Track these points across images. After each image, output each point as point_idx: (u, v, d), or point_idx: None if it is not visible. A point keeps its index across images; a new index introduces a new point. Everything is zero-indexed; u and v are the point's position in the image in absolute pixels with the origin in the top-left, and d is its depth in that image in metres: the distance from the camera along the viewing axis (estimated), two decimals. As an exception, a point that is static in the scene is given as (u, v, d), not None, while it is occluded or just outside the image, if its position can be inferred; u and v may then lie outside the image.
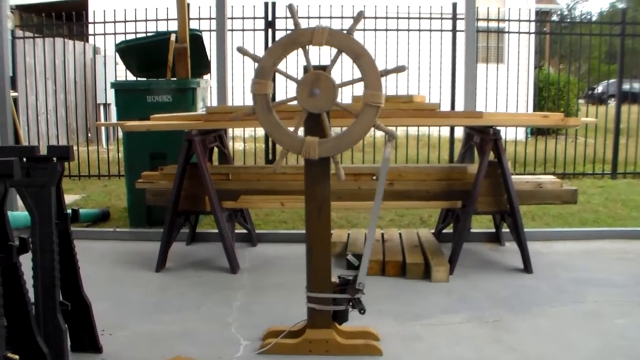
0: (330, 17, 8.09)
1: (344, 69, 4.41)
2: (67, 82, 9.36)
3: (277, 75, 2.87)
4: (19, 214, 5.00)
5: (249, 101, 2.84)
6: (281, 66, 2.77)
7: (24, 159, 2.55)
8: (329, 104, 2.72)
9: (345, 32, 2.70)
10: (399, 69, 2.77)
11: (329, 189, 2.87)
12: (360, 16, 2.71)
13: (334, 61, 2.74)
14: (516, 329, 3.21)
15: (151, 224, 5.34)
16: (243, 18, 8.18)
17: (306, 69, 2.74)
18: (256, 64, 2.75)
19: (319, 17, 8.10)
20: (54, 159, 2.58)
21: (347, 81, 2.84)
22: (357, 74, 2.73)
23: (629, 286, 3.89)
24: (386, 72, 2.72)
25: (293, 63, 3.58)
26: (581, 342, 3.05)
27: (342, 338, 2.92)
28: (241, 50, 2.82)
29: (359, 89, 2.83)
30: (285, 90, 6.79)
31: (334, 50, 2.71)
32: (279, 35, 7.98)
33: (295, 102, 2.77)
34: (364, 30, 8.13)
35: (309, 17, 7.57)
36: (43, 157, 2.58)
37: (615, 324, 3.29)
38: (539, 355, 2.91)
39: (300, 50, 2.76)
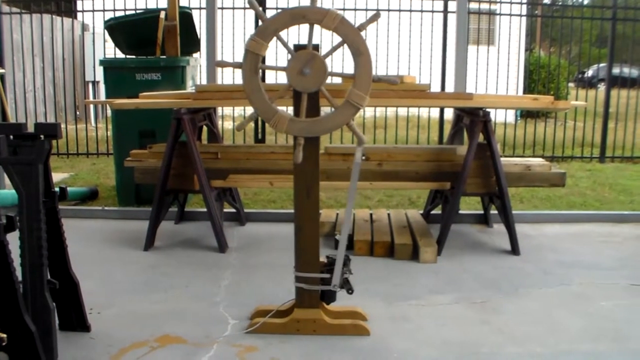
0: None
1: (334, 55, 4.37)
2: (55, 59, 9.23)
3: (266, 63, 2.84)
4: (6, 192, 4.97)
5: (239, 80, 2.82)
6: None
7: (11, 137, 2.53)
8: (314, 86, 2.70)
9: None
10: (392, 80, 2.75)
11: (317, 169, 2.87)
12: (375, 17, 2.67)
13: (333, 50, 2.72)
14: (503, 310, 3.24)
15: (140, 202, 5.32)
16: (233, -4, 8.10)
17: (298, 47, 2.71)
18: (260, 23, 2.70)
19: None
20: (42, 136, 2.56)
21: (338, 72, 2.85)
22: (348, 62, 2.69)
23: (615, 269, 3.93)
24: (379, 79, 2.71)
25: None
26: (567, 323, 3.09)
27: (330, 318, 2.93)
28: (251, 3, 2.77)
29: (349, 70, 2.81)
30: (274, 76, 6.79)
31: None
32: (269, 14, 7.90)
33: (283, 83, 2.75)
34: (355, 9, 8.07)
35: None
36: (30, 134, 2.55)
37: (601, 305, 3.33)
38: (526, 336, 2.94)
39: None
